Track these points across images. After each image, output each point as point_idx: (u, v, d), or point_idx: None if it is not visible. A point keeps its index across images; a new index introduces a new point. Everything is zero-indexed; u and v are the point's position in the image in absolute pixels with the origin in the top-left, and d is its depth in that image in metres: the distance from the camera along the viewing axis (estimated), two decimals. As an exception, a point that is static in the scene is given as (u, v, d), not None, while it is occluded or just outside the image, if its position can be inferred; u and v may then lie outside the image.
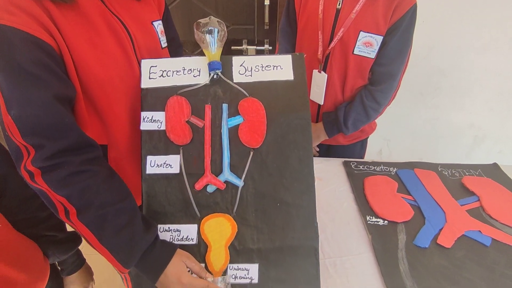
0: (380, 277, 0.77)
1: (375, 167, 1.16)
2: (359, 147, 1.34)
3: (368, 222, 0.92)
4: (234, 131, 0.73)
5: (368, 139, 1.41)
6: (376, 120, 1.33)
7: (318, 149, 1.34)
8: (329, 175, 1.13)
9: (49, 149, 0.56)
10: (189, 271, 0.67)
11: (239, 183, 0.73)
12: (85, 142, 0.61)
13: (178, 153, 0.72)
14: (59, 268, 0.82)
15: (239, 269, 0.72)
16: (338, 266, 0.79)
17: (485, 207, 0.97)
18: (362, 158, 1.40)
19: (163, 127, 0.72)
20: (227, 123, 0.73)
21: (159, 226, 0.72)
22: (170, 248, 0.66)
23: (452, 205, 0.98)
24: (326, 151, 1.33)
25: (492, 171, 1.15)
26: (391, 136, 2.08)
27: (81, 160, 0.59)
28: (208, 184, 0.73)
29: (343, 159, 1.21)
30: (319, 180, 1.09)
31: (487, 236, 0.87)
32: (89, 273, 0.89)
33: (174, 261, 0.64)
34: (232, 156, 0.73)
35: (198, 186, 0.72)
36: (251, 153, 0.73)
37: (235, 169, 0.73)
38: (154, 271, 0.64)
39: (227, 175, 0.72)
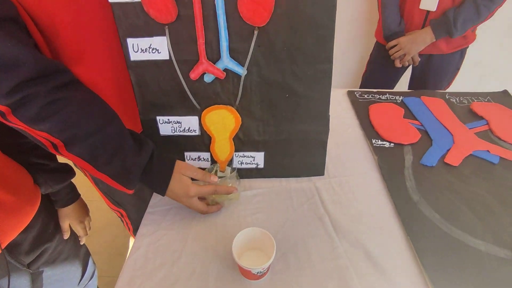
0: (387, 192, 0.75)
1: (380, 95, 1.11)
2: (459, 56, 1.31)
3: (374, 145, 0.89)
4: (232, 3, 0.55)
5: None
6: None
7: (419, 59, 1.29)
8: (332, 103, 1.07)
9: (6, 82, 0.46)
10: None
11: (241, 71, 0.62)
12: (49, 67, 0.50)
13: (164, 34, 0.58)
14: (53, 199, 0.79)
15: (244, 156, 0.69)
16: (343, 184, 0.77)
17: (493, 129, 0.94)
18: (458, 69, 1.37)
19: None
20: None
21: (158, 118, 0.66)
22: (168, 164, 0.63)
23: (460, 128, 0.95)
24: (426, 61, 1.31)
25: (502, 97, 1.11)
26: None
27: (50, 88, 0.50)
28: (205, 73, 0.62)
29: (347, 89, 1.15)
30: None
31: (495, 155, 0.85)
32: (84, 209, 0.85)
33: (175, 177, 0.62)
34: (232, 37, 0.58)
35: (194, 75, 0.61)
36: (255, 32, 0.58)
37: (236, 53, 0.60)
38: (159, 187, 0.62)
39: (226, 61, 0.61)
